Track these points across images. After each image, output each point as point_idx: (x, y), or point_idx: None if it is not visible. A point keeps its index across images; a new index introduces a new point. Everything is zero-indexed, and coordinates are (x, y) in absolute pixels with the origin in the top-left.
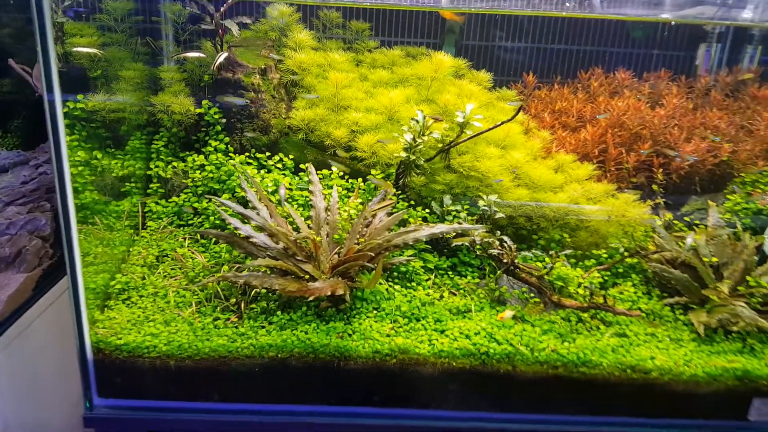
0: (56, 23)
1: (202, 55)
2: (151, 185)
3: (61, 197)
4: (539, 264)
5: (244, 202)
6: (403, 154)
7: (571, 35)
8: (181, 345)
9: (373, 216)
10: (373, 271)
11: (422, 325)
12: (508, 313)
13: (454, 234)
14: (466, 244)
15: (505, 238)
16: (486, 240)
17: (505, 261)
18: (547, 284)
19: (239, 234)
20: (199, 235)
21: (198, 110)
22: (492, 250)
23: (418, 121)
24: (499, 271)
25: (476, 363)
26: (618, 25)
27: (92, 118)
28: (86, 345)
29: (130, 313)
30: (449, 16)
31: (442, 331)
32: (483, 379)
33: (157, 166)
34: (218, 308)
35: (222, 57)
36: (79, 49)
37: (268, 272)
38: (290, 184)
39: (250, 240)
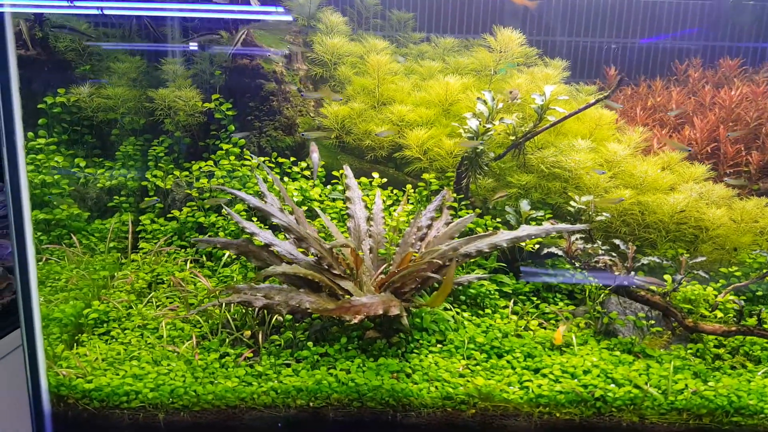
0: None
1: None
2: (147, 199)
3: (14, 202)
4: (667, 279)
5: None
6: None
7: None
8: (175, 390)
9: (429, 227)
10: (435, 292)
11: (508, 362)
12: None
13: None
14: (560, 253)
15: (618, 241)
16: (587, 250)
17: (616, 274)
18: (676, 305)
19: (256, 242)
20: (205, 258)
21: (207, 105)
22: (597, 262)
23: (486, 102)
24: (605, 291)
25: (589, 413)
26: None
27: (76, 120)
28: (41, 390)
29: (107, 349)
30: (521, 1)
31: (537, 370)
32: None
33: (154, 176)
34: (227, 341)
35: (242, 35)
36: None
37: (294, 288)
38: (320, 194)
39: (271, 249)
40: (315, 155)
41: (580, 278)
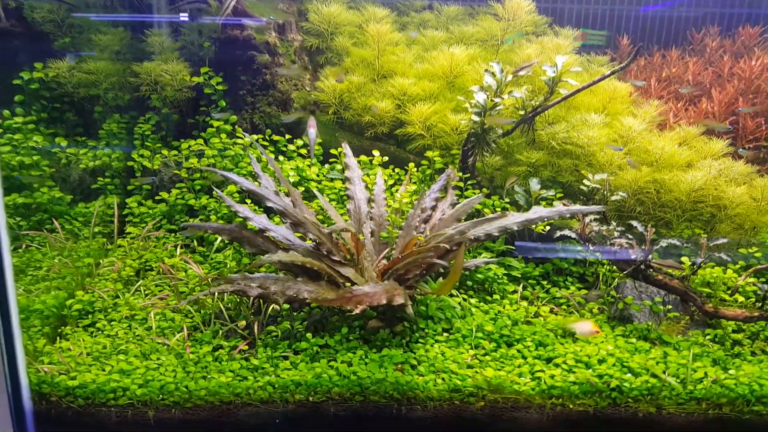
0: None
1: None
2: (134, 181)
3: None
4: (684, 262)
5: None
6: (475, 119)
7: None
8: (165, 386)
9: (434, 208)
10: (441, 279)
11: (518, 351)
12: (584, 327)
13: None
14: (573, 236)
15: (635, 222)
16: (602, 232)
17: (633, 258)
18: (695, 289)
19: (250, 227)
20: (196, 242)
21: (195, 79)
22: (612, 244)
23: (494, 74)
24: (619, 275)
25: (604, 404)
26: None
27: (56, 96)
28: (21, 387)
29: (92, 342)
30: None
31: (549, 360)
32: (616, 428)
33: (141, 156)
34: (220, 333)
35: (232, 2)
36: None
37: (292, 277)
38: (318, 174)
39: (266, 234)
40: (312, 130)
41: (594, 261)
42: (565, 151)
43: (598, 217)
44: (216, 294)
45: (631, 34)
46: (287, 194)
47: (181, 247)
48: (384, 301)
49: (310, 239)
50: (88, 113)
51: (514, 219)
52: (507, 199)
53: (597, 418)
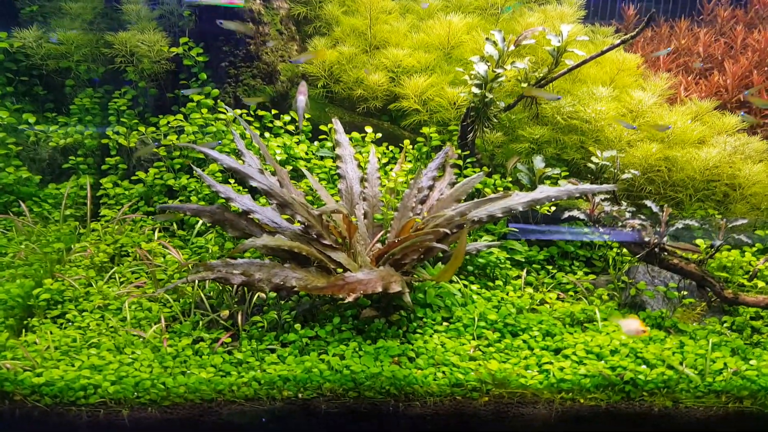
0: None
1: None
2: (109, 159)
3: None
4: (700, 244)
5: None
6: (475, 92)
7: None
8: (140, 383)
9: (431, 188)
10: (440, 264)
11: (524, 341)
12: (630, 325)
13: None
14: (581, 217)
15: (649, 202)
16: (612, 213)
17: (646, 241)
18: (712, 274)
19: (233, 208)
20: (176, 226)
21: (174, 50)
22: (623, 226)
23: (495, 44)
24: (633, 259)
25: (617, 398)
26: None
27: (23, 69)
28: None
29: (62, 335)
30: None
31: (558, 351)
32: (630, 424)
33: (116, 133)
34: (201, 324)
35: None
36: None
37: (278, 263)
38: (307, 152)
39: (251, 216)
40: (302, 98)
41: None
42: (571, 126)
43: (608, 197)
44: (196, 282)
45: (637, 4)
46: (273, 173)
47: (160, 231)
48: (380, 289)
49: (299, 222)
50: (58, 87)
51: (519, 199)
52: (509, 179)
53: (609, 414)
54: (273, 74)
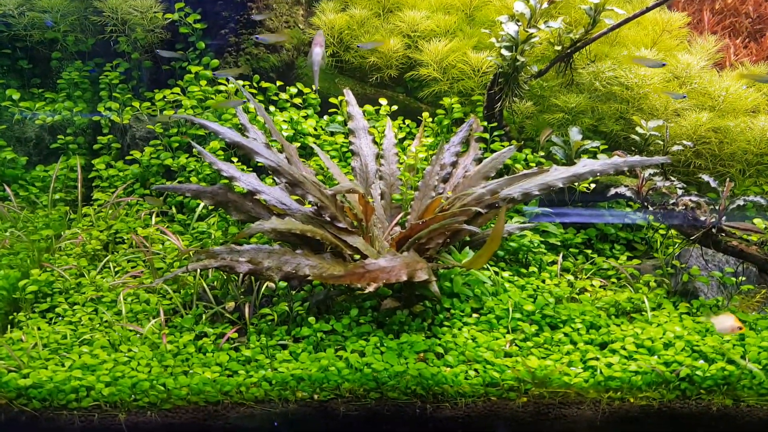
0: None
1: None
2: (101, 138)
3: None
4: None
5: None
6: (504, 55)
7: None
8: (138, 384)
9: (454, 165)
10: (470, 249)
11: (565, 334)
12: (724, 322)
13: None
14: (628, 194)
15: (706, 177)
16: (662, 189)
17: (702, 220)
18: None
19: (237, 189)
20: (175, 210)
21: (169, 16)
22: (675, 204)
23: (527, 0)
24: (685, 241)
25: (671, 396)
26: None
27: (5, 41)
28: None
29: (51, 331)
30: None
31: (604, 345)
32: (685, 425)
33: (108, 109)
34: (204, 317)
35: None
36: None
37: (289, 249)
38: (315, 127)
39: (257, 197)
40: (319, 50)
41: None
42: (610, 94)
43: (657, 171)
44: (198, 271)
45: None
46: (281, 150)
47: (157, 216)
48: (404, 278)
49: (310, 203)
50: (44, 60)
51: (558, 174)
52: (541, 153)
53: (662, 414)
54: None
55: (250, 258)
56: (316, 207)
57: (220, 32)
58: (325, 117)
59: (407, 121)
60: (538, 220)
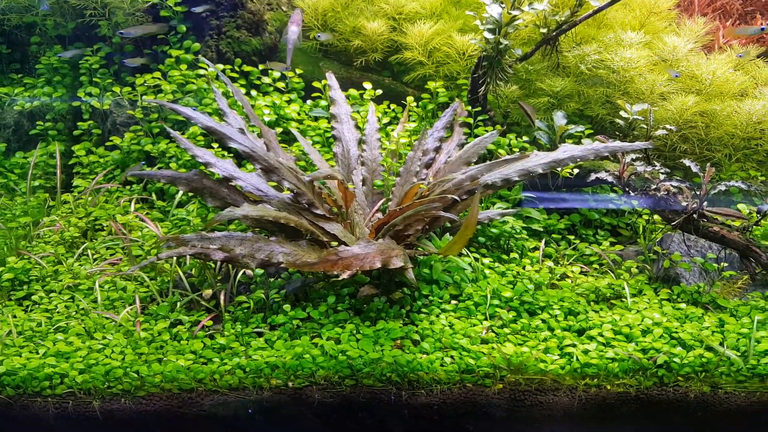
0: None
1: None
2: (81, 124)
3: None
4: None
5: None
6: (487, 38)
7: None
8: (112, 371)
9: (437, 150)
10: (448, 236)
11: (543, 321)
12: None
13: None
14: (609, 179)
15: (688, 162)
16: (644, 174)
17: (684, 206)
18: (758, 243)
19: (212, 174)
20: (155, 196)
21: None
22: (657, 189)
23: None
24: (667, 227)
25: (649, 383)
26: None
27: None
28: None
29: (26, 319)
30: None
31: (581, 331)
32: (662, 412)
33: (89, 95)
34: (180, 305)
35: None
36: None
37: (263, 236)
38: (299, 112)
39: (232, 183)
40: (295, 29)
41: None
42: (596, 78)
43: (639, 156)
44: (175, 259)
45: None
46: (260, 135)
47: (137, 202)
48: (378, 265)
49: (288, 189)
50: (22, 45)
51: (538, 160)
52: (525, 138)
53: (640, 401)
54: (259, 24)
55: (222, 245)
56: (293, 194)
57: (201, 15)
58: (309, 101)
59: (392, 106)
60: (525, 205)
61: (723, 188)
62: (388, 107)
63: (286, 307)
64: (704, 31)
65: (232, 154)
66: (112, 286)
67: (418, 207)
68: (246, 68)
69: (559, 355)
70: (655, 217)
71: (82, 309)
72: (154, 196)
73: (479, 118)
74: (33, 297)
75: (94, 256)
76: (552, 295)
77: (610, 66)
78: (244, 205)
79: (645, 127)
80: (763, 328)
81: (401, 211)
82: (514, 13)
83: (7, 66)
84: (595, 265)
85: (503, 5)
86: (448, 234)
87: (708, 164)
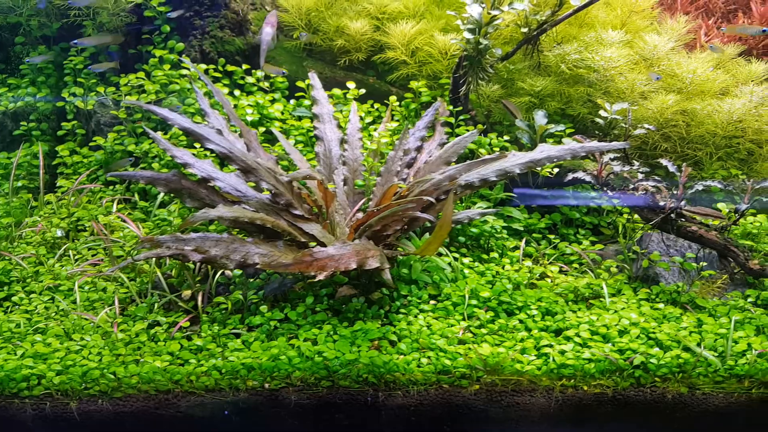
0: None
1: None
2: (65, 124)
3: None
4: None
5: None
6: (468, 38)
7: None
8: (89, 372)
9: (419, 150)
10: (426, 236)
11: (520, 321)
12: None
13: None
14: (587, 179)
15: (665, 161)
16: (623, 174)
17: (662, 205)
18: (736, 243)
19: (190, 175)
20: (137, 196)
21: None
22: (635, 188)
23: None
24: (645, 226)
25: (626, 384)
26: None
27: None
28: None
29: (5, 320)
30: None
31: (559, 332)
32: (639, 413)
33: (73, 95)
34: (158, 306)
35: None
36: None
37: (239, 237)
38: (282, 111)
39: (211, 184)
40: (269, 30)
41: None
42: (577, 77)
43: (618, 155)
44: (153, 260)
45: None
46: (242, 136)
47: (120, 203)
48: (354, 266)
49: (267, 190)
50: (6, 45)
51: (516, 160)
52: (507, 137)
53: (616, 402)
54: (243, 24)
55: (197, 247)
56: (272, 194)
57: (185, 15)
58: (293, 101)
59: (376, 105)
60: (513, 204)
61: (700, 188)
62: (372, 107)
63: (264, 308)
64: (686, 29)
65: (214, 154)
66: (92, 287)
67: (393, 208)
68: (230, 68)
69: (536, 355)
70: (636, 216)
71: (62, 310)
72: (136, 197)
73: (461, 117)
74: (13, 298)
75: (76, 257)
76: (530, 295)
77: (591, 65)
78: (219, 206)
79: (624, 126)
80: (741, 329)
81: (378, 212)
82: (494, 13)
83: None
84: (575, 265)
85: (483, 5)
86: (427, 234)
87: (684, 164)
